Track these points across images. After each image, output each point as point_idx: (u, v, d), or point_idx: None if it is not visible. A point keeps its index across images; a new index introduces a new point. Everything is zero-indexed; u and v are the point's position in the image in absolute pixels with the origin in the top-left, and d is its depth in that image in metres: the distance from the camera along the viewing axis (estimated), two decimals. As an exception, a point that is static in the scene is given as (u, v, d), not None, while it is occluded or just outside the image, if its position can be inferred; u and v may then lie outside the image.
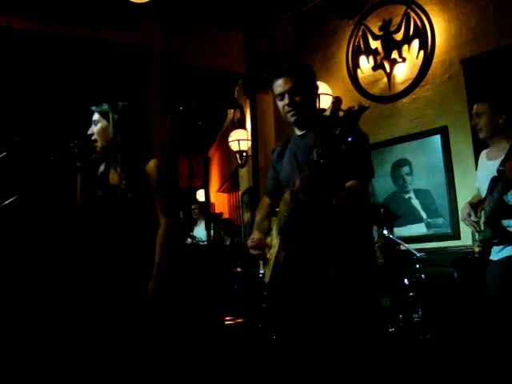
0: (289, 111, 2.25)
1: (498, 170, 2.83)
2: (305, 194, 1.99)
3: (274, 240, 2.29)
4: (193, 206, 6.81)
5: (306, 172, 2.00)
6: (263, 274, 2.41)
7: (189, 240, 5.87)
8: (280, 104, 2.29)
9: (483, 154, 3.18)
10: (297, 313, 2.25)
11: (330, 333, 2.13)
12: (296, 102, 2.22)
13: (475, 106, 3.07)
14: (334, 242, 2.15)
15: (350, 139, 1.75)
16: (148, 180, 2.51)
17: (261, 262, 2.46)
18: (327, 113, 3.73)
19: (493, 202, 2.83)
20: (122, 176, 2.49)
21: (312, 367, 2.16)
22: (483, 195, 3.04)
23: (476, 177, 3.26)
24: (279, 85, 2.25)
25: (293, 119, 2.27)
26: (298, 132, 2.34)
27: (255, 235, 2.41)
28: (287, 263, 2.20)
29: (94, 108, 2.57)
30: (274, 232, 2.30)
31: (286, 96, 2.23)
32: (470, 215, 3.07)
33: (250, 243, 2.41)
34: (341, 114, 1.89)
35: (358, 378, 2.07)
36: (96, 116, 2.55)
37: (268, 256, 2.32)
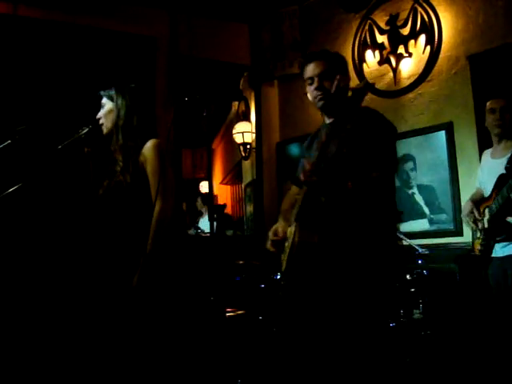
0: (317, 96, 2.24)
1: (507, 168, 2.81)
2: (318, 175, 2.01)
3: (292, 227, 2.22)
4: (198, 200, 6.86)
5: (316, 154, 2.06)
6: (280, 262, 2.28)
7: (192, 231, 5.89)
8: (309, 89, 2.28)
9: (486, 153, 3.17)
10: (309, 304, 2.19)
11: (339, 327, 2.09)
12: (325, 87, 2.21)
13: (490, 103, 3.04)
14: (352, 231, 2.10)
15: None
16: (142, 161, 2.39)
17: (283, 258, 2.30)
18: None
19: (501, 198, 2.80)
20: (120, 158, 2.43)
21: (317, 360, 2.13)
22: (486, 194, 3.02)
23: (478, 176, 3.25)
24: (310, 69, 2.26)
25: (320, 104, 2.25)
26: (327, 120, 2.33)
27: (279, 226, 2.34)
28: (302, 250, 2.15)
29: (101, 92, 2.56)
30: (292, 219, 2.24)
31: (316, 80, 2.24)
32: (472, 212, 3.06)
33: (271, 235, 2.33)
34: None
35: (365, 372, 2.05)
36: (104, 100, 2.55)
37: (286, 244, 2.25)
